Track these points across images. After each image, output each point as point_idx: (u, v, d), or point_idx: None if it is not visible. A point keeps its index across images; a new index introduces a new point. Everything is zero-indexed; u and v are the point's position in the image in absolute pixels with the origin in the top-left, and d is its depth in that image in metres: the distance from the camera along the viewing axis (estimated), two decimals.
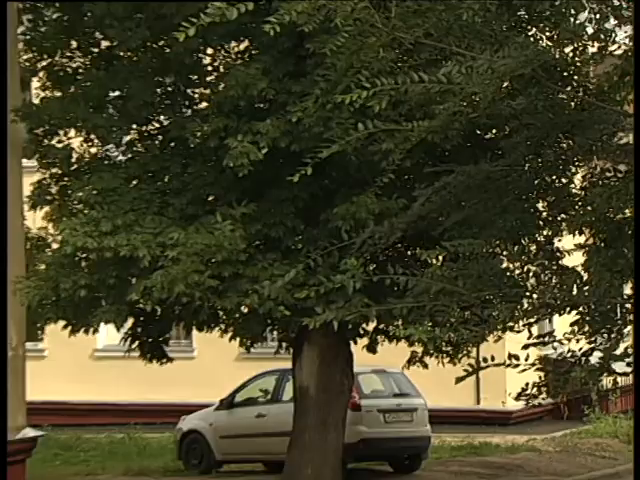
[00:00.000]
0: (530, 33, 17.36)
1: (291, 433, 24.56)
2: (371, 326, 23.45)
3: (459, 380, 18.02)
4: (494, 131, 19.98)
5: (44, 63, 24.97)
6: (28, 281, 23.15)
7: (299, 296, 20.16)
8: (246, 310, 22.45)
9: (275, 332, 25.25)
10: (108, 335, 31.48)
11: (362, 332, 23.82)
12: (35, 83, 25.73)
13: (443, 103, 15.95)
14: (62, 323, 24.72)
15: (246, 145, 20.85)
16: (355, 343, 24.35)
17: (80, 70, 24.83)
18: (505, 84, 16.02)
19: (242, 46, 23.77)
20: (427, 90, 15.87)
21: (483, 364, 17.31)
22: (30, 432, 24.97)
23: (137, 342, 25.55)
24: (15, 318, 24.15)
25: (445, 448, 32.85)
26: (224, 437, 31.21)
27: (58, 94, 24.68)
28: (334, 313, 19.16)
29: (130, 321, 24.67)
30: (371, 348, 24.53)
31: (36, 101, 25.10)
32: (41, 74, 25.18)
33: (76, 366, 36.25)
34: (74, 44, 24.75)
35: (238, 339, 25.15)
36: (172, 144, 23.78)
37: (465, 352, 21.05)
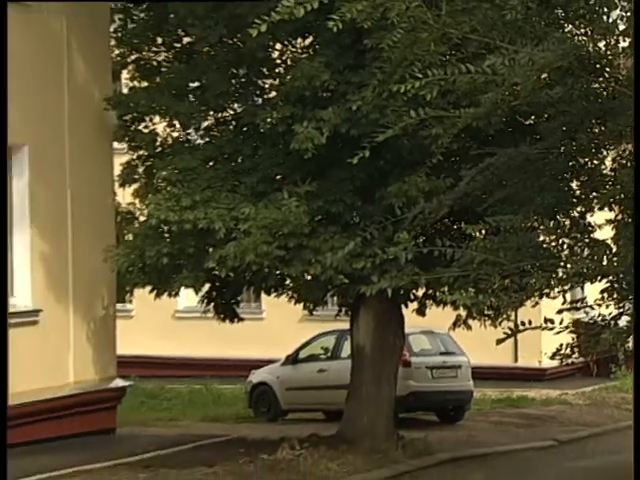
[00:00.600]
0: (567, 29, 17.01)
1: (349, 386, 24.44)
2: (420, 292, 23.31)
3: (500, 341, 17.86)
4: (533, 117, 19.88)
5: (133, 57, 24.92)
6: (118, 250, 23.17)
7: (357, 266, 20.60)
8: (309, 277, 22.20)
9: (335, 297, 24.94)
10: (187, 298, 31.50)
11: (412, 297, 23.67)
12: (125, 75, 25.69)
13: (487, 92, 15.85)
14: (148, 287, 24.46)
15: (310, 131, 20.66)
16: (406, 307, 24.17)
17: (164, 63, 24.81)
18: (544, 75, 15.85)
19: (307, 41, 23.57)
20: (473, 80, 15.79)
21: (521, 327, 17.17)
22: (120, 382, 25.23)
23: (213, 304, 25.48)
24: (106, 282, 24.61)
25: (486, 401, 32.87)
26: (289, 389, 31.27)
27: (145, 85, 24.67)
28: (388, 281, 19.17)
29: (207, 286, 24.56)
30: (420, 312, 24.35)
31: (125, 91, 25.35)
32: (130, 67, 25.10)
33: (159, 325, 36.55)
34: (159, 40, 24.74)
35: (302, 303, 24.97)
36: (245, 129, 23.61)
37: (505, 316, 20.56)
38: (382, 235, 20.33)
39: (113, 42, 24.96)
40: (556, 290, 17.42)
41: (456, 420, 29.85)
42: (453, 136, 17.77)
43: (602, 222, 18.08)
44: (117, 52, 25.05)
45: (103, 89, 24.27)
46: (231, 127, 24.17)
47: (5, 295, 7.51)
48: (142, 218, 23.74)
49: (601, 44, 16.71)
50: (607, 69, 16.49)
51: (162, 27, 24.40)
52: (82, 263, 23.74)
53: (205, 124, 24.32)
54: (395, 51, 17.72)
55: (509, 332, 17.43)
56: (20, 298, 22.89)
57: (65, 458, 20.90)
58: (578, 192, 19.05)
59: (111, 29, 24.97)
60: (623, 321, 16.76)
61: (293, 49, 23.89)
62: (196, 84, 23.81)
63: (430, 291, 22.89)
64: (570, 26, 16.80)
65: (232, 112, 24.12)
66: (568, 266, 17.03)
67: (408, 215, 19.48)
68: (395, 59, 18.21)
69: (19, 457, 20.50)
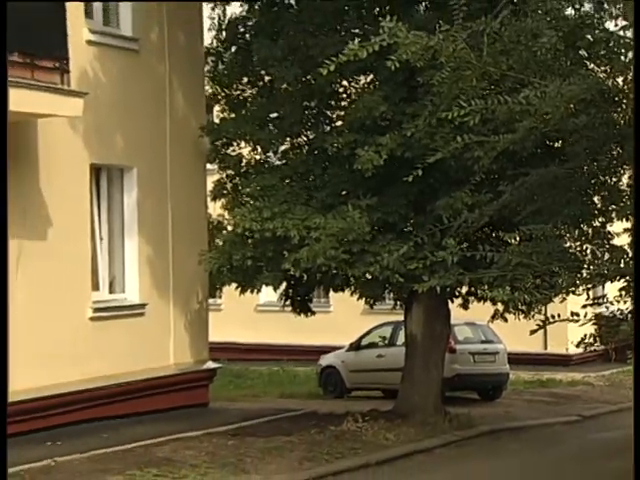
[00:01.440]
0: (590, 67, 17.09)
1: (403, 369, 24.49)
2: (464, 290, 23.38)
3: (533, 332, 18.03)
4: (561, 142, 20.08)
5: (223, 93, 25.05)
6: (210, 254, 23.24)
7: (410, 267, 20.47)
8: (370, 277, 22.04)
9: (391, 294, 24.89)
10: (267, 294, 31.60)
11: (457, 294, 23.79)
12: (216, 108, 25.94)
13: (522, 121, 15.96)
14: (234, 285, 24.66)
15: (371, 154, 20.49)
16: (452, 302, 24.27)
17: (249, 98, 24.97)
18: (570, 106, 15.84)
19: (368, 78, 23.50)
20: (510, 110, 15.84)
21: (551, 320, 17.34)
22: (211, 364, 25.22)
23: (289, 300, 25.51)
24: (200, 281, 24.59)
25: (519, 382, 32.84)
26: (352, 371, 31.27)
27: (232, 116, 24.74)
28: (437, 280, 19.28)
29: (284, 284, 24.55)
30: (464, 306, 24.58)
31: (217, 121, 25.27)
32: (221, 101, 25.31)
33: (244, 317, 36.71)
34: (245, 79, 24.91)
35: (364, 298, 25.04)
36: (315, 152, 23.61)
37: (536, 310, 20.62)
38: (432, 241, 20.39)
39: (207, 80, 24.97)
40: (580, 288, 17.39)
41: (494, 398, 29.72)
42: (492, 158, 17.91)
43: (620, 231, 18.05)
44: (210, 89, 25.07)
45: (198, 119, 24.28)
46: (304, 151, 24.09)
47: (5, 295, 6.89)
48: (230, 227, 23.80)
49: (619, 79, 16.87)
50: (624, 101, 16.54)
51: (247, 68, 24.52)
52: (180, 265, 23.77)
53: (282, 148, 24.30)
54: (443, 86, 17.78)
55: (540, 324, 17.74)
56: (130, 294, 23.06)
57: (167, 427, 20.95)
58: (599, 205, 19.03)
59: (205, 69, 24.95)
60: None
61: (356, 85, 23.87)
62: (275, 115, 23.80)
63: (472, 289, 22.83)
64: (592, 65, 16.82)
65: (305, 138, 24.08)
66: (591, 268, 17.08)
67: (454, 224, 19.62)
68: (443, 93, 18.20)
69: (129, 426, 21.00)
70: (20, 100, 18.33)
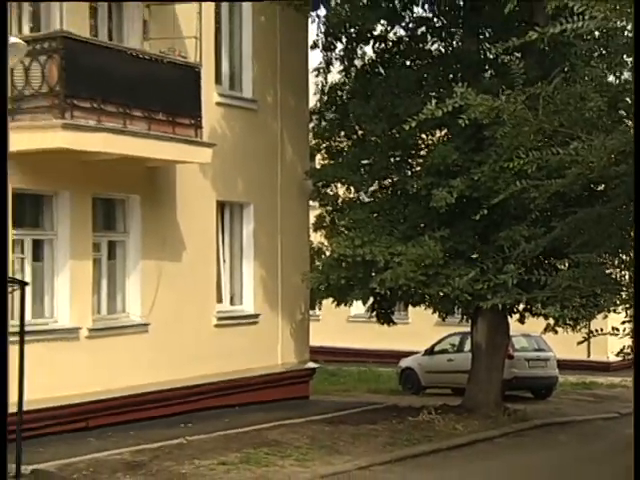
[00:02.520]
0: (628, 124, 16.70)
1: (469, 371, 24.24)
2: (521, 307, 23.00)
3: (580, 343, 18.10)
4: (603, 185, 19.42)
5: (324, 145, 25.05)
6: (311, 274, 23.30)
7: (476, 288, 20.17)
8: (442, 295, 21.93)
9: (460, 309, 24.36)
10: (357, 307, 31.16)
11: (515, 310, 23.47)
12: (318, 156, 25.67)
13: (571, 168, 15.65)
14: (330, 299, 24.61)
15: (444, 194, 20.32)
16: (511, 317, 23.95)
17: (345, 148, 24.82)
18: (612, 156, 15.39)
19: (443, 132, 23.33)
20: (561, 160, 15.65)
21: (595, 333, 16.87)
22: (311, 364, 25.25)
23: (375, 312, 25.15)
24: (303, 296, 24.61)
25: (567, 384, 32.05)
26: (427, 372, 30.84)
27: (331, 162, 24.72)
28: (499, 299, 19.21)
29: (371, 299, 24.26)
30: (521, 320, 24.26)
31: (318, 166, 25.18)
32: (322, 151, 25.22)
33: (338, 326, 36.39)
34: (342, 133, 24.83)
35: (437, 312, 24.77)
36: (398, 192, 23.48)
37: (582, 325, 20.56)
38: (495, 267, 20.03)
39: (311, 134, 25.05)
40: (620, 308, 17.06)
41: (545, 397, 29.22)
42: (546, 198, 17.75)
43: None
44: (314, 141, 25.11)
45: (303, 165, 24.40)
46: (389, 191, 24.03)
47: (5, 296, 8.14)
48: (328, 253, 23.84)
49: None
50: None
51: (344, 124, 24.51)
52: (287, 283, 23.84)
53: (371, 188, 24.29)
54: (505, 139, 17.80)
55: (586, 336, 17.60)
56: (246, 306, 23.26)
57: (275, 415, 21.05)
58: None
59: (310, 126, 25.01)
60: None
61: (433, 137, 23.71)
62: (366, 162, 23.77)
63: (528, 306, 22.47)
64: (630, 122, 16.53)
65: (390, 180, 23.99)
66: (629, 291, 16.60)
67: (514, 253, 19.43)
68: (505, 145, 18.17)
69: (245, 413, 21.23)
70: (164, 150, 18.89)
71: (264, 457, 17.08)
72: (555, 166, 16.09)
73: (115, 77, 17.98)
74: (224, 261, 22.79)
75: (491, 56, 21.41)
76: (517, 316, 23.83)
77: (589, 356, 34.32)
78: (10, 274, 16.76)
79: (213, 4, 21.43)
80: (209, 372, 21.08)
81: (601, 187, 19.64)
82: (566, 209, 18.78)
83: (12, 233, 17.36)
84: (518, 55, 18.54)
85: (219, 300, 22.38)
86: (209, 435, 18.75)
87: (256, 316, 23.08)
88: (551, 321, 22.52)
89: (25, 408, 15.52)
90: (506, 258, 19.68)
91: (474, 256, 21.84)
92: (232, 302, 23.02)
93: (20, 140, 16.77)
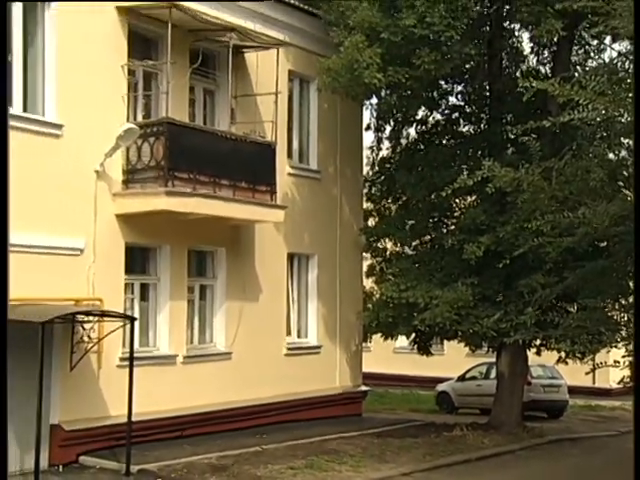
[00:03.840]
0: (626, 193, 16.73)
1: (495, 395, 24.01)
2: (538, 342, 22.82)
3: (587, 373, 18.18)
4: (606, 243, 19.31)
5: (375, 208, 25.25)
6: (364, 313, 23.40)
7: (501, 326, 20.54)
8: (472, 332, 21.74)
9: (487, 343, 24.02)
10: (401, 341, 30.62)
11: (533, 345, 23.25)
12: (370, 217, 25.52)
13: (579, 229, 15.86)
14: (379, 334, 24.61)
15: (474, 248, 20.69)
16: (529, 350, 23.67)
17: (392, 210, 24.95)
18: (613, 219, 15.45)
19: (473, 198, 23.26)
20: (571, 222, 15.82)
21: (600, 365, 17.05)
22: (363, 387, 24.93)
23: (416, 345, 25.06)
24: (357, 331, 24.41)
25: (576, 406, 31.47)
26: (460, 395, 30.69)
27: (381, 222, 24.75)
28: (519, 336, 19.75)
29: (413, 334, 24.23)
30: (537, 353, 24.02)
31: (370, 225, 25.04)
32: (373, 212, 25.34)
33: (385, 356, 35.77)
34: (389, 198, 25.03)
35: (468, 345, 24.59)
36: (436, 246, 23.35)
37: (589, 357, 19.90)
38: (516, 309, 20.48)
39: (364, 199, 25.04)
40: (620, 344, 17.06)
41: (558, 417, 28.89)
42: (558, 253, 17.87)
43: None
44: (366, 204, 25.12)
45: (358, 224, 24.37)
46: (428, 245, 23.88)
47: (5, 297, 7.72)
48: (377, 295, 23.55)
49: None
50: None
51: (391, 190, 24.67)
52: (344, 320, 23.79)
53: (414, 243, 24.17)
54: (524, 204, 18.10)
55: (592, 367, 17.50)
56: (311, 339, 23.12)
57: (333, 429, 20.93)
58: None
59: (364, 192, 25.01)
60: None
61: (464, 202, 23.69)
62: (409, 221, 23.68)
63: (544, 342, 22.35)
64: (627, 191, 16.59)
65: (429, 237, 23.87)
66: (628, 330, 16.67)
67: (532, 298, 19.47)
68: (525, 208, 18.34)
69: (310, 427, 20.98)
70: (245, 211, 19.15)
71: (325, 463, 17.16)
72: (566, 226, 16.14)
73: (207, 153, 18.21)
74: (293, 301, 22.68)
75: (512, 136, 21.74)
76: (534, 349, 23.63)
77: (594, 383, 33.70)
78: (122, 311, 17.43)
79: (286, 95, 21.66)
80: (280, 392, 21.14)
81: (604, 244, 19.56)
82: (575, 262, 18.82)
83: (124, 278, 17.79)
84: (535, 136, 18.95)
85: (288, 333, 22.32)
86: (280, 444, 18.82)
87: (319, 347, 23.02)
88: (563, 354, 22.36)
89: (133, 419, 15.97)
90: (525, 302, 20.01)
91: (499, 300, 21.70)
92: (299, 335, 22.88)
93: (133, 204, 17.40)
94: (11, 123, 15.46)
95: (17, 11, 16.05)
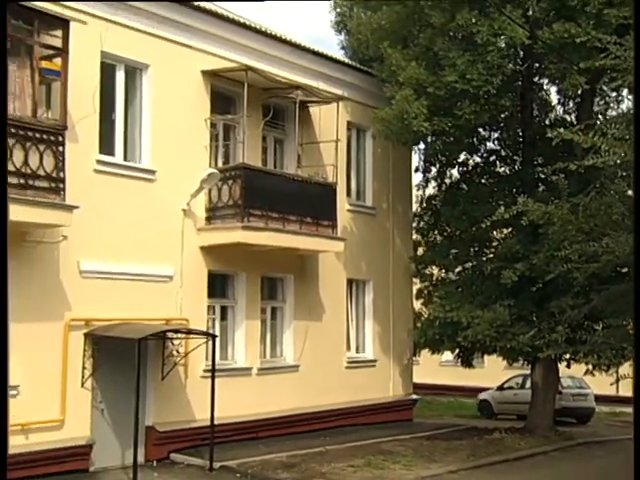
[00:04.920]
0: None
1: (530, 403, 23.65)
2: (568, 356, 22.19)
3: (612, 384, 17.77)
4: (627, 269, 19.03)
5: (423, 239, 24.95)
6: (414, 331, 23.35)
7: (535, 343, 20.30)
8: (509, 347, 21.44)
9: (522, 357, 23.26)
10: (446, 355, 29.93)
11: (563, 359, 22.71)
12: (419, 247, 25.29)
13: (603, 256, 15.50)
14: (427, 349, 24.50)
15: (510, 274, 20.50)
16: (560, 363, 23.16)
17: (438, 241, 24.64)
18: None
19: (509, 229, 22.90)
20: (596, 250, 15.53)
21: (623, 377, 16.26)
22: (414, 396, 24.74)
23: (460, 359, 24.78)
24: (408, 346, 24.27)
25: (602, 413, 30.84)
26: (498, 403, 30.35)
27: (428, 251, 24.52)
28: (551, 351, 19.71)
29: (457, 350, 23.95)
30: (567, 366, 23.39)
31: (419, 253, 24.82)
32: (422, 243, 25.02)
33: (433, 368, 35.17)
34: (435, 231, 24.70)
35: (505, 359, 24.09)
36: (477, 272, 22.90)
37: (613, 370, 19.77)
38: (548, 327, 20.30)
39: (413, 231, 24.92)
40: None
41: (586, 422, 28.43)
42: (585, 278, 17.53)
43: None
44: (415, 236, 24.91)
45: (408, 253, 24.22)
46: (470, 272, 23.41)
47: (5, 296, 7.33)
48: (425, 315, 23.42)
49: None
50: None
51: (437, 224, 24.47)
52: (397, 337, 23.66)
53: (457, 270, 23.87)
54: (555, 235, 17.88)
55: (617, 379, 17.06)
56: (367, 353, 22.95)
57: (388, 432, 20.74)
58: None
59: (413, 225, 24.90)
60: None
61: (501, 233, 23.43)
62: (453, 251, 23.39)
63: (573, 356, 21.77)
64: None
65: (470, 264, 23.44)
66: None
67: (562, 318, 19.40)
68: (555, 239, 18.13)
69: (367, 430, 20.87)
70: (310, 243, 19.29)
71: (381, 462, 17.08)
72: (591, 254, 15.92)
73: (278, 193, 18.35)
74: (352, 321, 22.56)
75: (543, 176, 21.86)
76: (564, 363, 23.15)
77: (618, 392, 32.92)
78: (205, 329, 17.72)
79: (345, 142, 21.68)
80: (341, 400, 21.12)
81: (626, 270, 19.53)
82: (600, 286, 18.27)
83: (207, 301, 18.01)
84: (563, 175, 18.80)
85: (348, 349, 22.19)
86: (341, 445, 18.84)
87: (374, 361, 22.86)
88: (590, 367, 21.94)
89: (215, 422, 16.19)
90: (556, 321, 19.97)
91: (533, 319, 21.37)
92: (357, 350, 22.70)
93: (214, 237, 17.68)
94: (114, 170, 16.30)
95: (120, 76, 16.67)
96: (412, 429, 22.38)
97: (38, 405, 14.55)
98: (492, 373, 32.43)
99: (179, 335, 16.68)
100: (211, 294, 18.30)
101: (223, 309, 18.93)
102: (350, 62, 22.95)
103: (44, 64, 14.21)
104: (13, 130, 13.34)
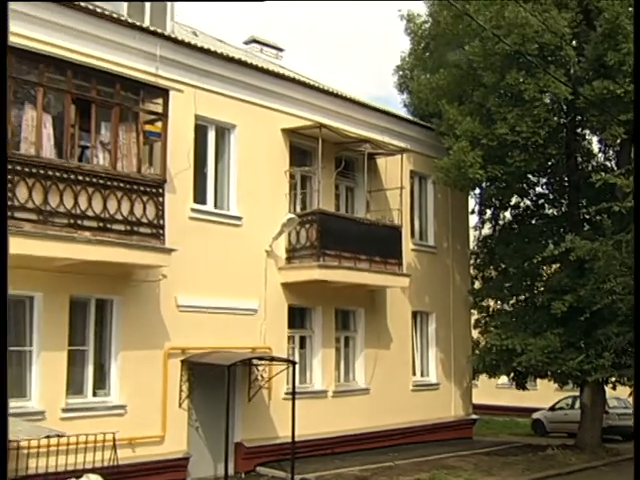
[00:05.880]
0: None
1: (579, 422, 23.10)
2: (613, 379, 21.64)
3: None
4: None
5: (479, 274, 24.71)
6: (472, 357, 22.92)
7: (584, 368, 20.04)
8: (560, 372, 21.12)
9: (571, 380, 22.80)
10: (502, 379, 29.10)
11: (610, 382, 22.12)
12: (476, 281, 24.94)
13: None
14: (485, 374, 24.06)
15: (560, 305, 20.18)
16: (606, 385, 22.53)
17: (493, 276, 24.13)
18: None
19: (557, 265, 22.39)
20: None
21: None
22: (473, 416, 24.36)
23: (515, 382, 24.26)
24: (468, 371, 23.86)
25: None
26: (550, 422, 29.69)
27: (484, 285, 24.21)
28: (599, 375, 19.36)
29: (512, 374, 23.44)
30: (613, 388, 22.82)
31: (476, 287, 24.47)
32: (478, 278, 24.64)
33: (489, 391, 34.25)
34: (491, 267, 24.19)
35: (556, 382, 23.57)
36: (529, 304, 22.59)
37: None
38: (595, 353, 19.99)
39: (471, 267, 24.57)
40: None
41: (631, 440, 26.71)
42: (629, 307, 17.41)
43: None
44: (472, 272, 24.63)
45: (466, 287, 24.01)
46: (523, 303, 23.17)
47: (5, 296, 5.93)
48: (483, 343, 22.98)
49: None
50: None
51: (492, 260, 24.05)
52: (457, 362, 23.42)
53: (511, 302, 23.57)
54: (600, 269, 17.85)
55: None
56: (431, 378, 22.80)
57: (450, 449, 20.58)
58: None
59: (470, 262, 24.57)
60: None
61: (550, 268, 22.94)
62: (507, 284, 23.05)
63: (619, 379, 21.30)
64: None
65: (523, 297, 23.19)
66: None
67: (608, 344, 19.08)
68: (600, 272, 18.06)
69: (431, 447, 20.62)
70: (379, 279, 19.25)
71: (444, 476, 16.83)
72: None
73: (349, 235, 18.31)
74: (416, 348, 22.41)
75: (587, 216, 21.68)
76: (610, 385, 22.62)
77: None
78: (286, 357, 17.77)
79: (409, 189, 21.66)
80: (407, 420, 20.92)
81: None
82: None
83: (287, 332, 18.10)
84: (606, 215, 18.75)
85: (413, 373, 22.02)
86: (408, 461, 18.66)
87: (437, 384, 22.66)
88: (634, 389, 21.44)
89: (295, 439, 16.13)
90: (603, 347, 19.65)
91: (581, 346, 20.99)
92: (422, 375, 22.50)
93: (293, 275, 17.82)
94: (206, 217, 16.66)
95: (211, 135, 17.06)
96: (472, 446, 22.08)
97: (142, 423, 14.82)
98: (544, 395, 31.76)
99: (263, 362, 16.83)
100: (291, 325, 18.34)
101: (302, 338, 18.94)
102: (412, 118, 23.10)
103: (147, 127, 14.70)
104: (121, 184, 13.83)
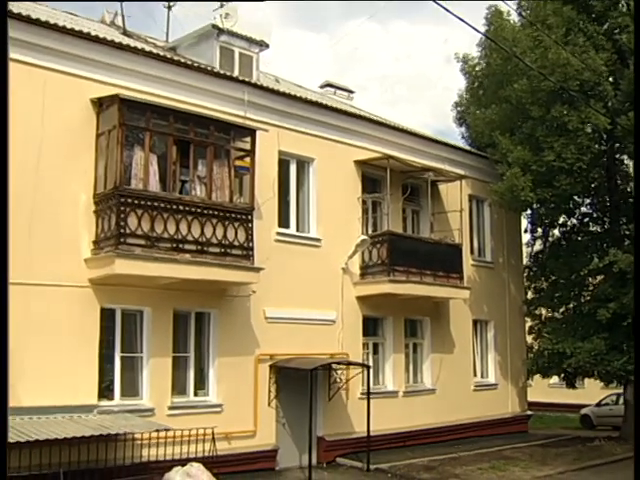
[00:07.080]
0: None
1: (623, 416, 22.20)
2: None
3: None
4: None
5: (531, 285, 23.42)
6: (527, 360, 22.33)
7: (627, 368, 19.50)
8: (605, 372, 20.38)
9: (616, 379, 21.45)
10: (554, 379, 27.20)
11: None
12: (529, 292, 23.90)
13: None
14: (538, 375, 23.11)
15: (604, 312, 19.70)
16: None
17: (544, 287, 23.08)
18: None
19: (601, 277, 21.45)
20: None
21: None
22: (528, 412, 23.47)
23: (565, 381, 23.26)
24: (523, 373, 22.91)
25: None
26: (597, 416, 28.88)
27: (537, 295, 23.13)
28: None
29: (562, 374, 22.27)
30: None
31: (529, 297, 23.53)
32: (530, 288, 23.58)
33: (543, 389, 32.83)
34: (542, 278, 23.08)
35: (602, 381, 22.31)
36: (578, 312, 21.62)
37: None
38: (632, 359, 19.24)
39: (525, 278, 23.51)
40: None
41: None
42: None
43: None
44: (526, 283, 23.53)
45: (521, 297, 23.08)
46: (572, 311, 22.27)
47: (5, 297, 6.27)
48: (536, 348, 22.49)
49: None
50: None
51: (543, 272, 22.98)
52: (513, 365, 22.57)
53: (561, 310, 22.69)
54: None
55: None
56: (490, 379, 21.95)
57: (508, 441, 20.05)
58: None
59: (524, 275, 23.60)
60: None
61: (596, 279, 21.92)
62: (557, 294, 22.13)
63: None
64: None
65: (572, 305, 22.27)
66: None
67: None
68: None
69: (490, 440, 20.17)
70: (443, 292, 18.76)
71: (502, 465, 16.63)
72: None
73: (416, 253, 18.00)
74: (477, 353, 21.78)
75: (628, 232, 21.13)
76: None
77: None
78: (361, 361, 17.46)
79: (467, 211, 21.23)
80: (469, 416, 20.50)
81: None
82: None
83: (362, 339, 17.77)
84: None
85: (474, 375, 21.43)
86: (470, 452, 18.36)
87: (496, 385, 21.99)
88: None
89: (370, 434, 15.99)
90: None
91: (624, 349, 20.20)
92: (482, 376, 21.85)
93: (367, 289, 17.61)
94: (289, 239, 16.68)
95: (292, 168, 17.05)
96: (527, 439, 21.51)
97: (237, 419, 14.82)
98: (591, 392, 30.95)
99: (341, 366, 16.69)
100: (365, 333, 18.07)
101: (375, 345, 18.65)
102: (469, 148, 22.73)
103: (238, 162, 14.77)
104: (216, 212, 13.95)
